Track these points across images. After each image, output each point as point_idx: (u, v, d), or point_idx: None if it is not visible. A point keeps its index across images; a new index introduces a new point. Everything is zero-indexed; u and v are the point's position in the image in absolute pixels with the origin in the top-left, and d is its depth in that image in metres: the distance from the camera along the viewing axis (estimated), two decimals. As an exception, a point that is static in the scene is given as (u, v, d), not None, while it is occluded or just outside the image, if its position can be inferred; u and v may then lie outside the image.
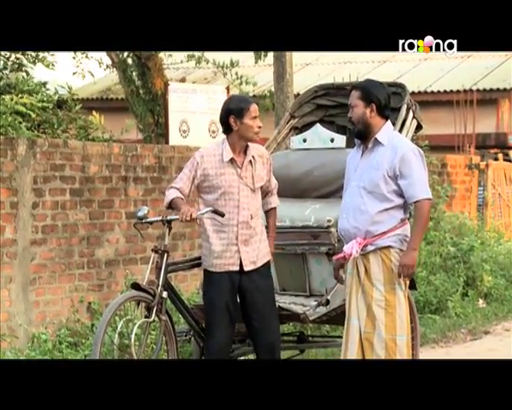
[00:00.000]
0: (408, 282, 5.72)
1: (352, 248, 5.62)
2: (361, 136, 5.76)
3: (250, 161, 5.96)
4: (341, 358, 5.74)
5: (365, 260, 5.66)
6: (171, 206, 5.91)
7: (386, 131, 5.71)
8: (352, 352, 5.62)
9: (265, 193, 6.13)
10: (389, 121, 5.83)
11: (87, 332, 8.08)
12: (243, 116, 5.89)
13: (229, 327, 5.93)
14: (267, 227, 6.18)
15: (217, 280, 5.91)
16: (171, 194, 5.93)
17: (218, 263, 5.90)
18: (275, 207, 6.23)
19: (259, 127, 5.95)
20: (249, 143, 5.98)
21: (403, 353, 5.58)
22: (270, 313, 6.01)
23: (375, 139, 5.68)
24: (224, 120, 5.94)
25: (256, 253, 5.95)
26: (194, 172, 5.93)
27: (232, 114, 5.90)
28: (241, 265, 5.90)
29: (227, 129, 5.95)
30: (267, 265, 6.05)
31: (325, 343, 7.58)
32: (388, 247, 5.62)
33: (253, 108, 5.94)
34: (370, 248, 5.63)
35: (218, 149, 5.97)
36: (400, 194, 5.64)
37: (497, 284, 11.50)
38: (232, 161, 5.92)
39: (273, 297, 6.10)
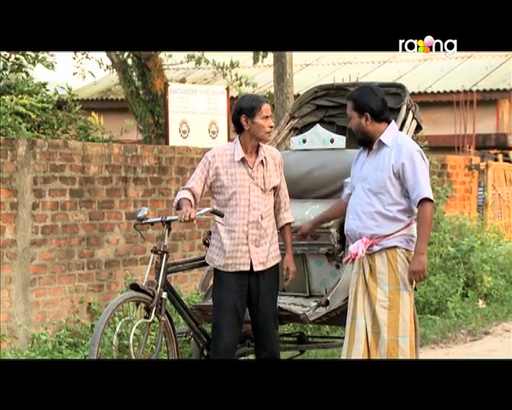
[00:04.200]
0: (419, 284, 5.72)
1: (357, 248, 5.63)
2: (364, 143, 5.79)
3: (262, 161, 5.94)
4: (344, 357, 5.71)
5: (371, 260, 5.66)
6: (179, 206, 5.90)
7: (390, 133, 5.71)
8: (358, 351, 5.60)
9: (278, 208, 6.08)
10: (393, 122, 5.82)
11: (87, 333, 8.08)
12: (255, 115, 5.87)
13: (237, 328, 5.92)
14: (284, 245, 6.14)
15: (227, 280, 5.90)
16: (179, 195, 5.92)
17: (229, 263, 5.89)
18: (289, 223, 6.16)
19: (271, 127, 5.94)
20: (262, 144, 5.97)
21: (405, 353, 5.57)
22: (272, 315, 6.01)
23: (380, 141, 5.70)
24: (236, 119, 5.93)
25: (266, 254, 5.93)
26: (206, 172, 5.92)
27: (243, 113, 5.88)
28: (251, 265, 5.89)
29: (239, 128, 5.94)
30: (276, 267, 6.03)
31: (325, 344, 7.57)
32: (394, 247, 5.63)
33: (265, 107, 5.91)
34: (376, 248, 5.64)
35: (230, 149, 5.96)
36: (406, 195, 5.63)
37: (496, 284, 11.50)
38: (243, 160, 5.91)
39: (276, 301, 6.11)
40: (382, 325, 5.58)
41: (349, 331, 5.70)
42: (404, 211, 5.65)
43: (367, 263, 5.67)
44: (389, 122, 5.77)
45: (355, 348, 5.63)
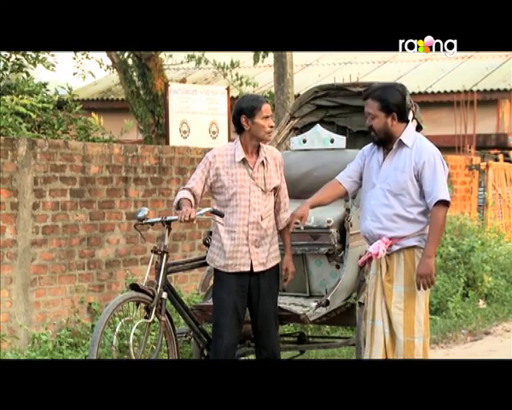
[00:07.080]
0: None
1: (378, 248, 5.55)
2: (383, 143, 5.67)
3: (262, 162, 5.93)
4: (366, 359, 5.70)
5: (388, 259, 5.60)
6: (179, 206, 5.89)
7: (410, 133, 5.63)
8: (377, 353, 5.57)
9: (278, 209, 6.06)
10: (410, 122, 5.77)
11: (87, 333, 8.07)
12: (255, 116, 5.85)
13: (237, 328, 5.92)
14: (284, 246, 6.12)
15: (227, 281, 5.89)
16: (179, 195, 5.91)
17: (229, 264, 5.88)
18: None
19: (271, 127, 5.92)
20: (262, 145, 5.96)
21: (419, 354, 5.54)
22: (272, 315, 6.01)
23: (400, 141, 5.60)
24: (236, 119, 5.91)
25: (266, 254, 5.93)
26: (207, 172, 5.91)
27: (244, 113, 5.87)
28: (251, 266, 5.89)
29: (239, 129, 5.92)
30: (276, 267, 6.03)
31: (325, 344, 7.57)
32: (413, 247, 5.57)
33: (265, 107, 5.90)
34: (395, 247, 5.58)
35: (230, 149, 5.95)
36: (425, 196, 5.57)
37: (497, 284, 11.50)
38: (244, 161, 5.89)
39: (276, 301, 6.10)
40: (398, 326, 5.54)
41: (369, 334, 5.66)
42: (424, 212, 5.57)
43: (384, 263, 5.61)
44: (408, 122, 5.70)
45: (374, 350, 5.59)
